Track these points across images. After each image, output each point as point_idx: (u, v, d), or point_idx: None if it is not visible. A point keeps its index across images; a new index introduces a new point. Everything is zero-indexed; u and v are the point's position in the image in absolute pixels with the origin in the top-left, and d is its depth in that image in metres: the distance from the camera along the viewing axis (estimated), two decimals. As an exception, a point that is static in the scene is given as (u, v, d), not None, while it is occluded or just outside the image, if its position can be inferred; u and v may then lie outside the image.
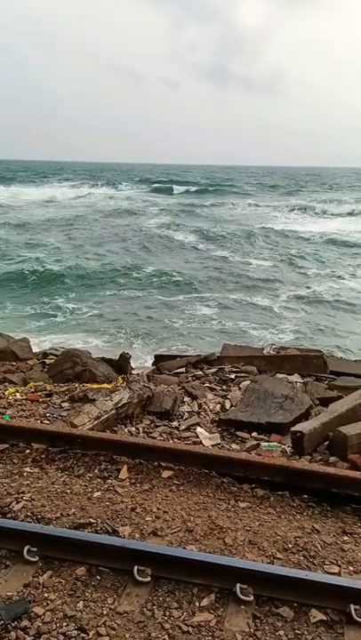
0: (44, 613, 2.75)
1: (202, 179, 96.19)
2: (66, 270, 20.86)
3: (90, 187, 70.02)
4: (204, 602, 2.88)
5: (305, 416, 5.65)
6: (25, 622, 2.68)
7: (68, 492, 3.93)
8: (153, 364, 9.09)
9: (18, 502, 3.72)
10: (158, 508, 3.74)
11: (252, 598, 2.86)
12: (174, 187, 70.81)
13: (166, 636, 2.64)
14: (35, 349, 9.49)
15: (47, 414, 5.57)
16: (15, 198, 51.86)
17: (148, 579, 2.98)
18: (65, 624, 2.68)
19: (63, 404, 5.88)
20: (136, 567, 3.01)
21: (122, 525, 3.51)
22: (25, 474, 4.20)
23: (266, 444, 5.18)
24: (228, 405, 6.18)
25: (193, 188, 71.05)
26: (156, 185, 75.16)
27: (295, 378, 7.31)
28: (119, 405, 5.45)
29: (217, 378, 7.35)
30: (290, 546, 3.37)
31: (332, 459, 4.74)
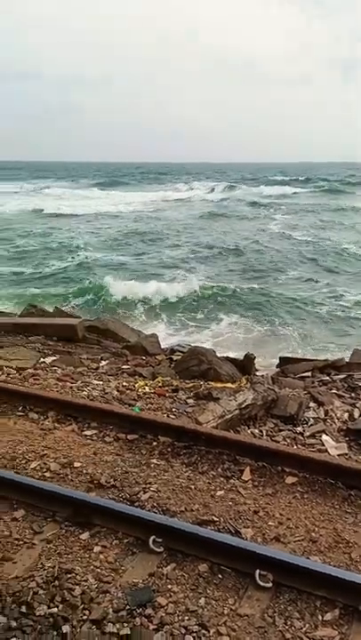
0: (166, 604, 2.82)
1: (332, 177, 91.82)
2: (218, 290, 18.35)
3: (224, 188, 69.76)
4: (328, 616, 2.78)
5: None
6: (149, 610, 2.77)
7: (192, 487, 4.00)
8: (277, 367, 8.98)
9: (145, 492, 3.86)
10: (281, 514, 3.69)
11: (379, 620, 2.72)
12: (300, 188, 68.33)
13: (287, 646, 2.60)
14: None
15: (173, 409, 5.72)
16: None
17: (270, 584, 2.94)
18: (187, 618, 2.73)
19: (188, 401, 6.00)
20: (258, 571, 2.98)
21: (244, 527, 3.51)
22: (152, 465, 4.36)
23: None
24: (356, 414, 5.91)
25: (326, 186, 68.56)
26: (287, 186, 72.66)
27: None
28: (243, 406, 5.46)
29: (345, 385, 7.06)
30: None
31: None
